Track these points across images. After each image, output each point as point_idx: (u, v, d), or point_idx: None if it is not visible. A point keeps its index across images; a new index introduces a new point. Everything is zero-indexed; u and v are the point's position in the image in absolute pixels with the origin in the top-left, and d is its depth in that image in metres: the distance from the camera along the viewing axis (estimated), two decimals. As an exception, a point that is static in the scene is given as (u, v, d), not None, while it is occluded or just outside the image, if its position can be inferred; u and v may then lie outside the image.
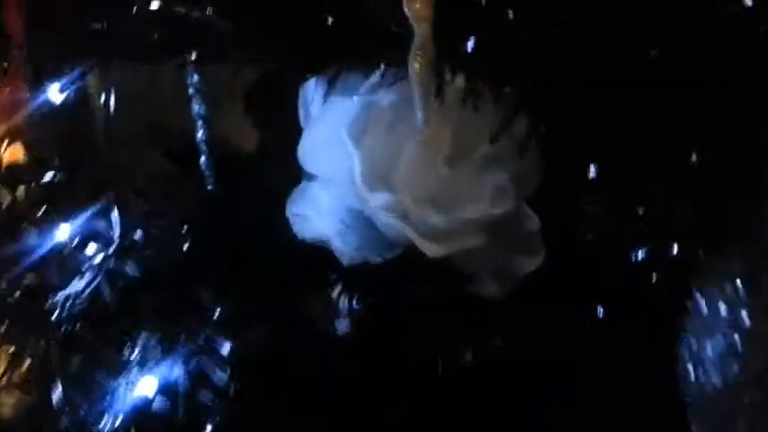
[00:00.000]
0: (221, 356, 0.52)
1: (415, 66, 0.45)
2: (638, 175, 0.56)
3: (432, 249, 0.51)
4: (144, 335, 0.52)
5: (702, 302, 0.46)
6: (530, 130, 0.49)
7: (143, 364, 0.52)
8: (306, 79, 0.57)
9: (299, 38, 0.53)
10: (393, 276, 0.54)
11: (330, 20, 0.51)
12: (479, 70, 0.47)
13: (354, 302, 0.55)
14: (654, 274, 0.58)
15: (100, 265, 0.54)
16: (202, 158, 0.79)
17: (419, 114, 0.47)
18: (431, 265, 0.52)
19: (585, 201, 0.60)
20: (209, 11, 0.55)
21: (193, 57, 0.60)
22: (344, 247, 0.53)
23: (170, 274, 0.56)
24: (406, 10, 0.44)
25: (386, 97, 0.53)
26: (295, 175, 0.58)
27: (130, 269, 0.53)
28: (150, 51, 0.59)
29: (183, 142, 0.83)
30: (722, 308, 0.44)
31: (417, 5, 0.44)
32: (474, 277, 0.54)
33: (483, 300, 0.54)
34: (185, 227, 0.61)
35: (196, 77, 0.79)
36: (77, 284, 0.54)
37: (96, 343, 0.53)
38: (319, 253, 0.55)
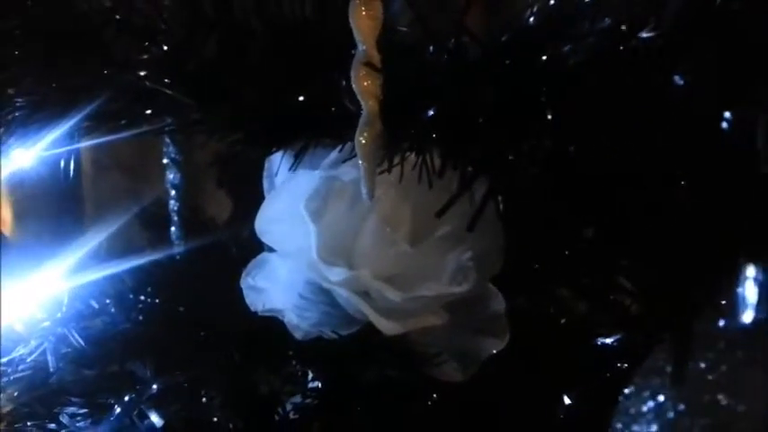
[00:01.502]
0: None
1: (360, 141, 0.44)
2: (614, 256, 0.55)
3: (389, 327, 0.49)
4: (74, 408, 0.50)
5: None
6: (480, 205, 0.47)
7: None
8: (272, 152, 0.57)
9: (268, 112, 0.54)
10: (348, 354, 0.52)
11: (300, 97, 0.52)
12: (430, 146, 0.46)
13: (308, 380, 0.54)
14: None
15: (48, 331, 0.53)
16: (173, 228, 0.80)
17: (364, 191, 0.46)
18: (388, 344, 0.51)
19: (557, 283, 0.59)
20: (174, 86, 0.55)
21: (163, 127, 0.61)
22: (299, 322, 0.52)
23: (117, 344, 0.54)
24: (354, 87, 0.44)
25: (347, 172, 0.53)
26: (259, 249, 0.57)
27: (75, 339, 0.52)
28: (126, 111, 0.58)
29: (158, 210, 0.84)
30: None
31: (366, 82, 0.44)
32: (433, 358, 0.52)
33: (441, 383, 0.52)
34: (141, 297, 0.60)
35: (171, 147, 0.80)
36: (22, 350, 0.53)
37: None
38: (274, 327, 0.54)
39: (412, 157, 0.49)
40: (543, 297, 0.59)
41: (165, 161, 0.81)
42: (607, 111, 0.48)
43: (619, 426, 0.42)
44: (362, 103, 0.44)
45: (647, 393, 0.41)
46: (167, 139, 0.80)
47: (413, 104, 0.44)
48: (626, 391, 0.44)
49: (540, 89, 0.45)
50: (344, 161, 0.52)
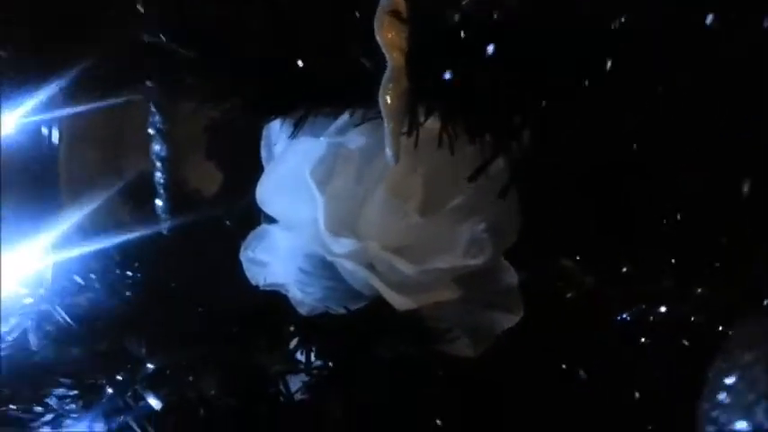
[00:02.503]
0: (150, 413, 0.46)
1: (386, 99, 0.41)
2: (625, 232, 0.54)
3: (401, 302, 0.47)
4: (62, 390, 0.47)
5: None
6: (511, 177, 0.45)
7: (58, 422, 0.46)
8: (271, 119, 0.54)
9: (267, 77, 0.51)
10: (356, 330, 0.49)
11: (299, 61, 0.49)
12: (456, 109, 0.43)
13: (312, 358, 0.51)
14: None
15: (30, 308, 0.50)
16: (159, 201, 0.76)
17: (389, 152, 0.43)
18: (399, 320, 0.48)
19: (567, 256, 0.58)
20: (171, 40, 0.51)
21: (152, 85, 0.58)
22: (303, 297, 0.49)
23: (106, 322, 0.51)
24: (378, 38, 0.41)
25: (355, 140, 0.50)
26: (256, 221, 0.55)
27: (61, 315, 0.48)
28: (109, 79, 0.54)
29: (142, 183, 0.80)
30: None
31: (390, 34, 0.40)
32: (446, 334, 0.49)
33: (454, 359, 0.49)
34: (128, 272, 0.57)
35: (158, 117, 0.76)
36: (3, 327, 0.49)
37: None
38: (276, 302, 0.51)
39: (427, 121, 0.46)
40: (553, 270, 0.57)
41: (150, 131, 0.76)
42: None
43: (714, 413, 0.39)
44: (387, 56, 0.41)
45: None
46: (152, 108, 0.76)
47: (441, 61, 0.41)
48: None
49: (579, 55, 0.42)
50: (357, 125, 0.49)
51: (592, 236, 0.56)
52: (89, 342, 0.50)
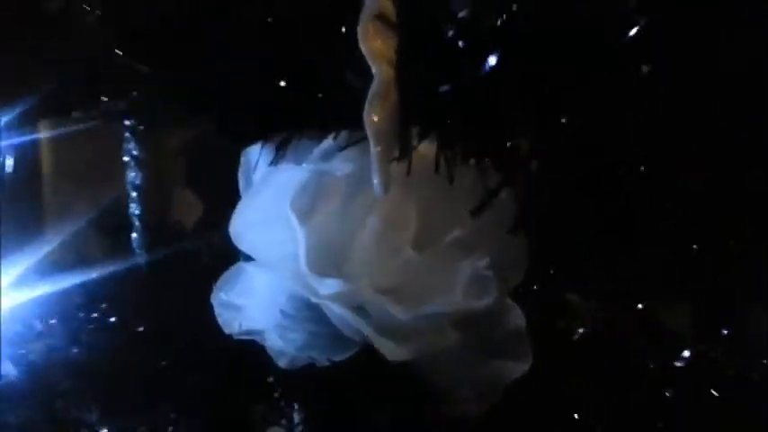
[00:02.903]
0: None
1: (372, 117, 0.36)
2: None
3: (395, 351, 0.42)
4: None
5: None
6: (522, 208, 0.41)
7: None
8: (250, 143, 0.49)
9: (244, 96, 0.48)
10: (343, 384, 0.44)
11: (282, 82, 0.46)
12: (455, 130, 0.37)
13: (294, 415, 0.46)
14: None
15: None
16: (134, 234, 0.71)
17: (376, 181, 0.37)
18: (391, 372, 0.43)
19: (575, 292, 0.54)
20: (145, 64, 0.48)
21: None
22: (284, 346, 0.44)
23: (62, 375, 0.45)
24: (362, 48, 0.35)
25: (340, 166, 0.45)
26: (237, 256, 0.50)
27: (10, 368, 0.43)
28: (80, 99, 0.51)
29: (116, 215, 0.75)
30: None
31: (377, 42, 0.35)
32: (445, 389, 0.44)
33: (454, 418, 0.44)
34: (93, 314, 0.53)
35: (132, 143, 0.71)
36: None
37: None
38: (255, 351, 0.46)
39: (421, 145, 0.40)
40: (559, 307, 0.53)
41: (124, 159, 0.71)
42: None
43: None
44: (374, 68, 0.36)
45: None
46: (127, 134, 0.71)
47: (436, 73, 0.35)
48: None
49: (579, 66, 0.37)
50: (342, 149, 0.44)
51: (605, 268, 0.52)
52: (38, 400, 0.44)
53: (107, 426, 0.43)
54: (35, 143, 0.69)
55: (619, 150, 0.46)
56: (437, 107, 0.37)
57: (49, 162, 0.74)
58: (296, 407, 0.45)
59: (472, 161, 0.42)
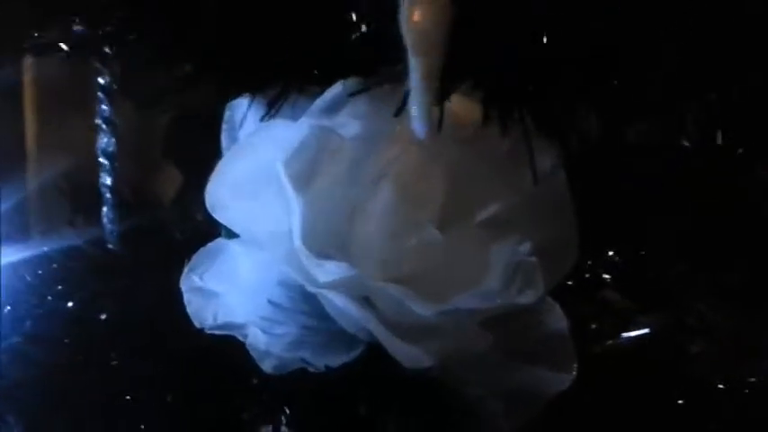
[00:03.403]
0: None
1: (413, 15, 0.29)
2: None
3: (410, 355, 0.35)
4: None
5: None
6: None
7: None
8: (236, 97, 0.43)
9: (232, 40, 0.41)
10: (344, 395, 0.36)
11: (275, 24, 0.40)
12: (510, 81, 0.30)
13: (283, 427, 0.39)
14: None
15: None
16: (104, 208, 0.65)
17: (415, 112, 0.30)
18: (406, 381, 0.36)
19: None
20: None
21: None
22: (269, 344, 0.37)
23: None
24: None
25: (348, 124, 0.39)
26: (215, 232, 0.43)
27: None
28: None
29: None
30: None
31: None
32: (471, 402, 0.37)
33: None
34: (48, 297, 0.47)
35: (105, 106, 0.65)
36: None
37: None
38: (236, 348, 0.39)
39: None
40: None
41: (96, 121, 0.64)
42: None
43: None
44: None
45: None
46: (99, 94, 0.64)
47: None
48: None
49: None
50: (351, 95, 0.37)
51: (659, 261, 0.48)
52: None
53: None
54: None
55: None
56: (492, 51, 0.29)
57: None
58: (283, 421, 0.36)
59: (517, 119, 0.34)
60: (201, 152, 0.55)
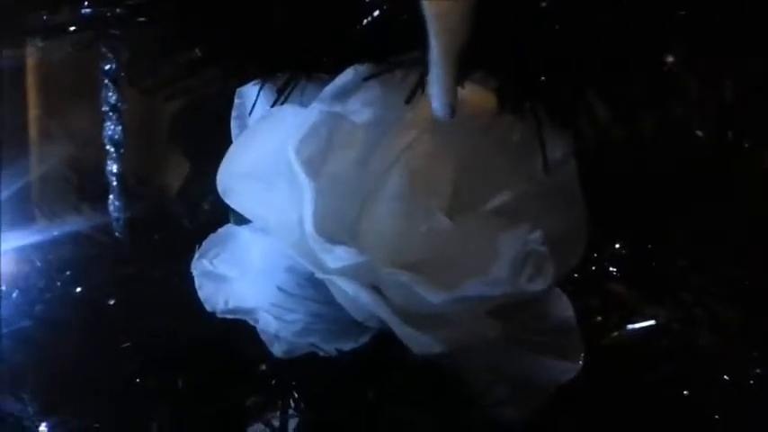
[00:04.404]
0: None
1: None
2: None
3: (421, 342, 0.35)
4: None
5: None
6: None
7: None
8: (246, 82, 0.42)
9: (240, 25, 0.41)
10: (353, 380, 0.36)
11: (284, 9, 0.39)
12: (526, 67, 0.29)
13: (291, 412, 0.38)
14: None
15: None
16: (111, 197, 0.64)
17: (437, 94, 0.29)
18: (416, 368, 0.36)
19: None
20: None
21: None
22: (279, 329, 0.36)
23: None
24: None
25: (359, 110, 0.38)
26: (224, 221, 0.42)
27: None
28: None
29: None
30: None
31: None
32: (480, 389, 0.36)
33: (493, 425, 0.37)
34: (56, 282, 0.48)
35: (111, 93, 0.64)
36: None
37: None
38: (245, 334, 0.38)
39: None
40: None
41: (103, 109, 0.64)
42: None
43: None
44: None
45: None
46: (106, 81, 0.63)
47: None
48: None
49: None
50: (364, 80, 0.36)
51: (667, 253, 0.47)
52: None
53: (50, 420, 0.35)
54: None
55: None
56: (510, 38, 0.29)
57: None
58: (292, 405, 0.36)
59: (528, 108, 0.34)
60: (208, 140, 0.55)
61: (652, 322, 0.47)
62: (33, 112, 0.72)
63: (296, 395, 0.37)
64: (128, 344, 0.43)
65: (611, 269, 0.48)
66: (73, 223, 0.57)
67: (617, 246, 0.49)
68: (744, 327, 0.48)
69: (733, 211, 0.48)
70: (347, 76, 0.38)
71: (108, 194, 0.66)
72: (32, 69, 0.72)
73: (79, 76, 0.66)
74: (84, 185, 0.70)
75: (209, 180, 0.43)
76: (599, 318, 0.48)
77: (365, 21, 0.38)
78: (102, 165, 0.66)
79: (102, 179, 0.66)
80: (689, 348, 0.45)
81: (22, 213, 0.59)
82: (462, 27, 0.27)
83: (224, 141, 0.45)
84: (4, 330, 0.42)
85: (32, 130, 0.73)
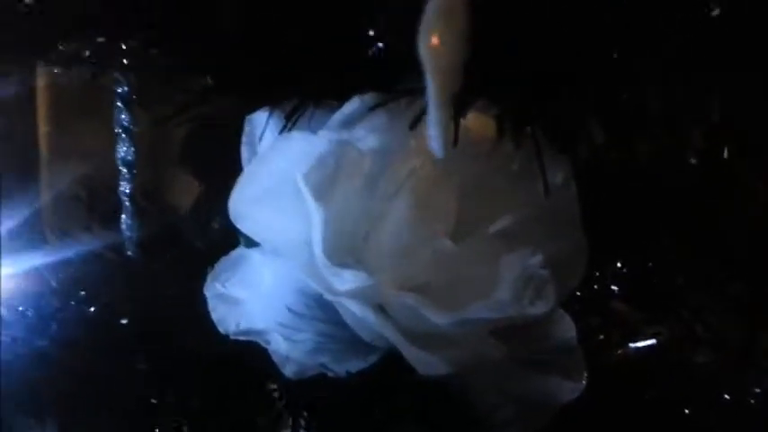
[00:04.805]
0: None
1: (431, 39, 0.28)
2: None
3: (427, 362, 0.35)
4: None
5: None
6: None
7: None
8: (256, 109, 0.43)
9: (250, 53, 0.42)
10: (362, 401, 0.37)
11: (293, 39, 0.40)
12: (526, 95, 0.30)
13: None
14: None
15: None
16: (123, 216, 0.65)
17: (433, 132, 0.30)
18: (420, 388, 0.36)
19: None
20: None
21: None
22: (290, 349, 0.37)
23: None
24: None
25: (365, 137, 0.39)
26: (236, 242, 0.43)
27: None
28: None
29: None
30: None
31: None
32: (485, 409, 0.37)
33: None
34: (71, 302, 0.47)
35: (124, 115, 0.65)
36: None
37: None
38: (256, 355, 0.39)
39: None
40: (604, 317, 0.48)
41: (116, 131, 0.64)
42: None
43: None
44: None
45: None
46: (119, 104, 0.64)
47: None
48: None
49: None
50: (370, 110, 0.38)
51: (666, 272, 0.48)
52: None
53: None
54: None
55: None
56: (510, 67, 0.30)
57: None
58: (302, 424, 0.37)
59: (529, 133, 0.35)
60: (218, 161, 0.56)
61: (654, 341, 0.48)
62: (44, 129, 0.72)
63: (306, 415, 0.38)
64: (141, 363, 0.45)
65: (612, 287, 0.49)
66: (85, 243, 0.58)
67: (618, 265, 0.49)
68: (744, 344, 0.48)
69: (732, 228, 0.49)
70: (353, 104, 0.39)
71: (120, 214, 0.67)
72: (43, 89, 0.73)
73: (89, 97, 0.67)
74: (96, 205, 0.71)
75: (218, 200, 0.44)
76: (601, 336, 0.49)
77: (371, 51, 0.39)
78: (114, 184, 0.67)
79: (113, 198, 0.67)
80: (690, 366, 0.45)
81: (36, 234, 0.59)
82: (457, 73, 0.28)
83: (233, 162, 0.46)
84: (21, 350, 0.43)
85: (43, 148, 0.74)
